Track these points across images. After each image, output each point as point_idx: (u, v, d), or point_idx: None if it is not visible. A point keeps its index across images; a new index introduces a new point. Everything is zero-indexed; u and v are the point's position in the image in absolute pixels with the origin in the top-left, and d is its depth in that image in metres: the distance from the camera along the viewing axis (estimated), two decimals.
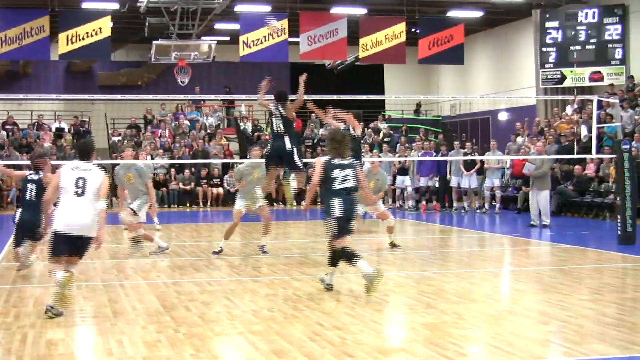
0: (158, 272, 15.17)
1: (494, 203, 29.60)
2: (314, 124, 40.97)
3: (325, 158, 13.04)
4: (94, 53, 34.49)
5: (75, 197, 11.36)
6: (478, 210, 29.63)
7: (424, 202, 31.52)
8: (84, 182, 11.40)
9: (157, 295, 12.64)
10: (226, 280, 14.31)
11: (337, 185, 12.73)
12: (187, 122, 39.37)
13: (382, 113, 43.32)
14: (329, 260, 13.07)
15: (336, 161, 12.85)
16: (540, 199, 23.63)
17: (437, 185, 31.52)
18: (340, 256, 12.83)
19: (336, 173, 12.76)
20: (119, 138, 37.50)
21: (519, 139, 31.41)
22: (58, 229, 11.34)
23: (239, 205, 17.67)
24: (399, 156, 32.69)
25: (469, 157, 29.46)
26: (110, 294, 12.82)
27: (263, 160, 17.43)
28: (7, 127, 38.38)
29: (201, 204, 34.61)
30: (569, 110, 33.47)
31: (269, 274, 15.01)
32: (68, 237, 11.30)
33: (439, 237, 23.03)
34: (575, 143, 29.22)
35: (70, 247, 11.38)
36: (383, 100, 45.15)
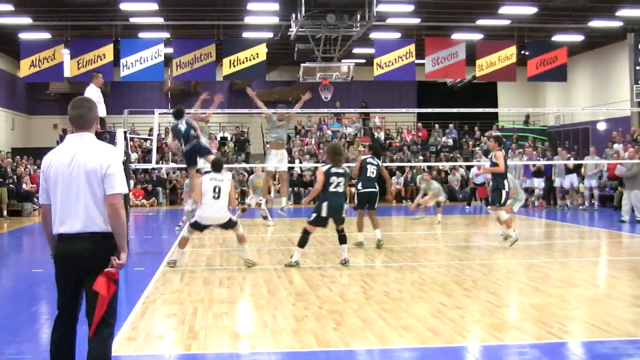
0: (305, 258, 15.26)
1: (593, 201, 29.02)
2: (437, 133, 40.76)
3: (326, 167, 14.35)
4: (252, 74, 34.99)
5: (213, 200, 13.90)
6: (580, 207, 29.10)
7: (532, 200, 31.04)
8: (219, 189, 13.90)
9: (304, 277, 12.74)
10: (362, 265, 14.32)
11: (331, 189, 14.18)
12: (329, 132, 39.62)
13: (496, 124, 42.97)
14: (299, 241, 14.35)
15: (334, 170, 14.24)
16: (632, 197, 23.14)
17: (543, 185, 31.05)
18: (306, 240, 14.33)
19: (333, 179, 14.18)
20: None
21: (615, 146, 30.63)
22: (200, 221, 14.10)
23: None
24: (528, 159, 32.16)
25: (569, 162, 28.97)
26: (265, 275, 12.98)
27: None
28: None
29: None
30: None
31: (398, 260, 14.96)
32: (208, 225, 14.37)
33: (545, 230, 22.62)
34: None
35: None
36: (497, 113, 44.65)
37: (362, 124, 42.65)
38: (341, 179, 14.26)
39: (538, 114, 46.40)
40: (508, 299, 11.09)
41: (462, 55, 35.09)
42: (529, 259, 14.94)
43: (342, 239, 14.47)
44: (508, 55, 35.36)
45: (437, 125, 41.19)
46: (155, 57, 32.89)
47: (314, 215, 14.21)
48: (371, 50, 35.35)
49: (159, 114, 20.02)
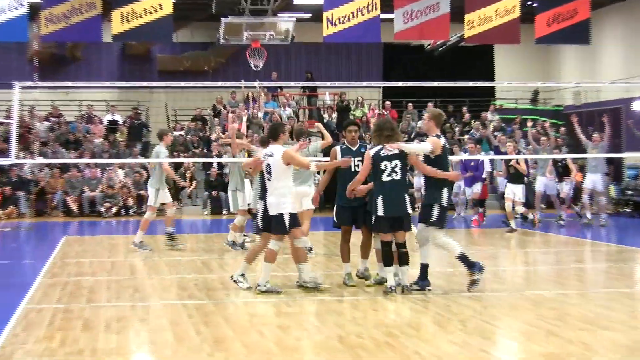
0: (226, 289, 15.18)
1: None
2: (410, 116, 40.79)
3: (375, 149, 14.10)
4: (153, 33, 34.64)
5: (267, 183, 14.62)
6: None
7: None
8: (269, 167, 14.44)
9: (225, 317, 12.69)
10: (306, 299, 14.26)
11: (384, 178, 13.95)
12: (260, 114, 39.30)
13: (492, 102, 43.16)
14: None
15: (384, 152, 13.98)
16: None
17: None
18: (387, 253, 14.23)
19: (384, 165, 13.96)
20: (182, 133, 37.50)
21: None
22: None
23: None
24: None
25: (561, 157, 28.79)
26: (171, 315, 12.89)
27: None
28: (52, 119, 38.57)
29: None
30: None
31: (355, 292, 14.93)
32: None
33: (559, 250, 22.73)
34: None
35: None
36: (493, 88, 44.89)
37: (307, 103, 42.61)
38: (395, 162, 14.02)
39: (551, 90, 46.75)
40: (509, 345, 11.15)
41: (446, 8, 35.18)
42: (537, 290, 14.96)
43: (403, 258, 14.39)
44: (509, 8, 35.55)
45: (410, 105, 41.26)
46: (16, 9, 32.54)
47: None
48: (319, 1, 35.39)
49: (21, 88, 19.84)
